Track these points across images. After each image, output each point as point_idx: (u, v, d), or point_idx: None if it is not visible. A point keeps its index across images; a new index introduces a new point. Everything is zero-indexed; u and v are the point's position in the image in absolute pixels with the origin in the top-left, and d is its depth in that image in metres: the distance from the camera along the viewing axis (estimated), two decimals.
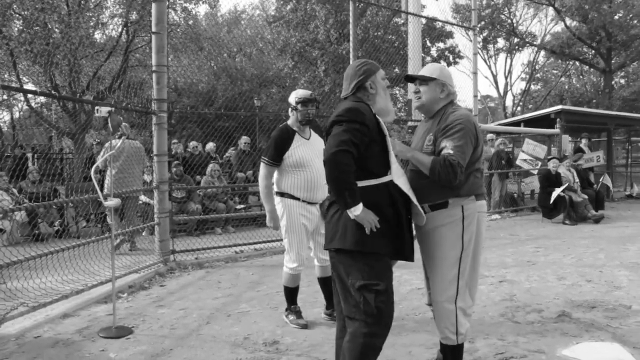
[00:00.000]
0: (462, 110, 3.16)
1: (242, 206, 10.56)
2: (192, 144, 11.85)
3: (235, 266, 6.85)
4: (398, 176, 2.90)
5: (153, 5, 6.78)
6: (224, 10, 31.90)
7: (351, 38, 8.71)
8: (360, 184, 2.75)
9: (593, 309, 4.71)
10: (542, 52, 37.24)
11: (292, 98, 4.40)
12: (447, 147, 2.97)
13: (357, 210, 2.66)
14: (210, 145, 12.64)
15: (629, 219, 10.70)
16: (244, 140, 11.99)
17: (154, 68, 6.75)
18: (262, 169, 4.39)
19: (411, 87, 3.24)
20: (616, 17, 26.97)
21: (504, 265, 6.51)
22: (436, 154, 3.03)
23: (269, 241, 7.83)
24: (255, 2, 36.35)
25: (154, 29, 6.78)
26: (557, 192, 10.17)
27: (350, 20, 8.84)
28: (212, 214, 9.56)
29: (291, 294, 4.51)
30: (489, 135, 12.73)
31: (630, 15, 26.84)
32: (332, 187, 2.72)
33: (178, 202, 9.49)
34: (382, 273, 2.76)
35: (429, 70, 3.23)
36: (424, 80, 3.18)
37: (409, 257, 2.88)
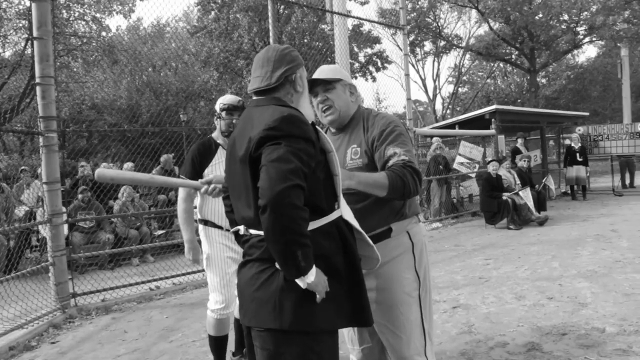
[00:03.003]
0: (385, 113, 2.61)
1: (161, 232, 9.48)
2: (104, 165, 10.66)
3: (148, 307, 5.85)
4: (346, 209, 2.11)
5: (33, 6, 5.74)
6: (146, 24, 30.44)
7: (271, 40, 7.89)
8: None
9: (564, 337, 4.05)
10: (468, 55, 37.71)
11: (217, 104, 3.65)
12: (399, 153, 2.35)
13: (310, 277, 1.80)
14: (128, 165, 11.50)
15: (571, 219, 10.34)
16: (164, 158, 10.98)
17: (37, 80, 5.72)
18: (181, 190, 3.56)
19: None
20: (537, 17, 27.43)
21: (455, 285, 5.82)
22: (381, 166, 2.37)
23: (189, 273, 6.86)
24: (178, 14, 34.97)
25: (35, 33, 5.75)
26: (527, 194, 9.85)
27: (270, 21, 8.03)
28: (126, 242, 8.47)
29: (218, 345, 3.61)
30: (435, 139, 12.20)
31: (550, 16, 27.35)
32: (279, 247, 1.75)
33: (86, 232, 8.35)
34: (329, 355, 1.95)
35: (329, 71, 2.57)
36: (329, 83, 2.53)
37: (368, 321, 2.03)
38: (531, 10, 27.06)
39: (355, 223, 2.11)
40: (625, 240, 7.75)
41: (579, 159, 13.53)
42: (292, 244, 1.73)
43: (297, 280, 1.80)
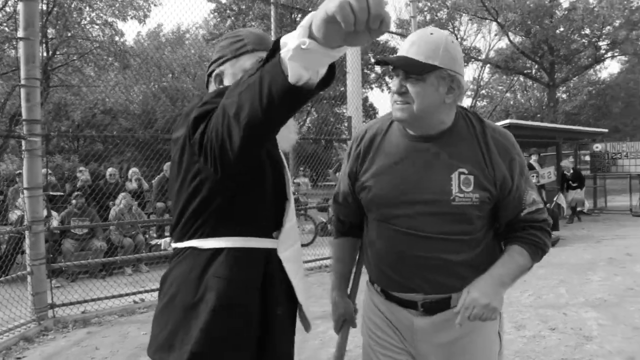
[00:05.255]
0: (497, 126, 1.82)
1: (158, 241, 9.23)
2: (110, 170, 10.44)
3: (128, 321, 5.58)
4: (286, 246, 1.56)
5: (21, 5, 5.53)
6: (166, 30, 30.52)
7: None
8: (213, 242, 1.46)
9: None
10: (487, 69, 37.27)
11: None
12: (537, 201, 1.77)
13: (300, 33, 0.99)
14: (132, 171, 11.30)
15: (585, 240, 9.90)
16: (167, 166, 10.75)
17: (22, 81, 5.47)
18: None
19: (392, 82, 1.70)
20: (558, 31, 26.98)
21: None
22: (511, 214, 1.75)
23: None
24: (199, 21, 35.00)
25: (21, 33, 5.52)
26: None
27: (272, 27, 7.81)
28: (119, 251, 8.24)
29: None
30: None
31: (572, 30, 26.88)
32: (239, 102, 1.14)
33: (79, 239, 8.13)
34: None
35: (427, 48, 1.60)
36: (418, 72, 1.60)
37: None
38: (552, 24, 26.65)
39: (295, 270, 1.56)
40: None
41: (573, 184, 13.10)
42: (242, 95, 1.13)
43: (293, 49, 0.99)
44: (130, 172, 11.39)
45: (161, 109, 25.02)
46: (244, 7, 24.29)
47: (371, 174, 1.77)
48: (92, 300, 5.99)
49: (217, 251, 1.46)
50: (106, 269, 8.16)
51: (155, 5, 19.41)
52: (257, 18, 22.80)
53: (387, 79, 29.14)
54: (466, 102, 38.18)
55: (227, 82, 1.61)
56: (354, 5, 0.85)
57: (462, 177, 1.67)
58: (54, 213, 8.24)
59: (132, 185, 10.48)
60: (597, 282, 6.40)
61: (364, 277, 2.01)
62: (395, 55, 1.65)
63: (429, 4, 28.37)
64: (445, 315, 1.74)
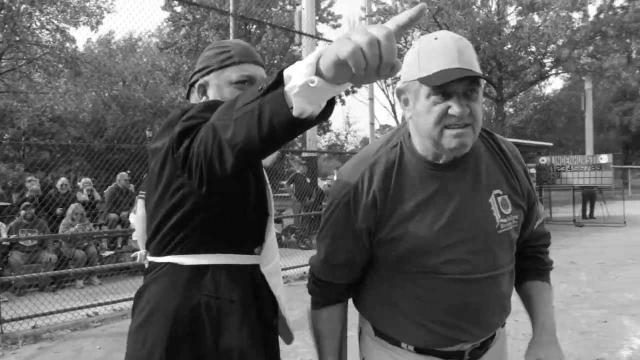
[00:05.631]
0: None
1: (110, 253, 9.06)
2: (62, 180, 10.15)
3: (82, 336, 5.46)
4: (267, 261, 1.56)
5: None
6: (118, 37, 29.97)
7: None
8: (194, 259, 1.44)
9: None
10: None
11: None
12: (541, 216, 1.69)
13: (300, 74, 0.98)
14: (84, 181, 11.05)
15: None
16: (120, 176, 10.56)
17: None
18: (139, 207, 3.14)
19: (426, 101, 1.37)
20: (505, 48, 27.90)
21: None
22: (528, 231, 1.64)
23: (132, 299, 6.45)
24: (152, 29, 34.48)
25: None
26: None
27: (230, 38, 7.81)
28: (71, 263, 8.04)
29: None
30: None
31: (518, 47, 27.85)
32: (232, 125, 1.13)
33: (28, 251, 7.90)
34: None
35: (471, 56, 1.39)
36: (477, 81, 1.38)
37: None
38: (500, 41, 27.53)
39: (277, 283, 1.57)
40: (584, 273, 7.66)
41: None
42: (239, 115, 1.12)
43: (297, 85, 0.98)
44: (81, 182, 11.15)
45: (112, 117, 24.58)
46: (199, 16, 24.15)
47: (397, 221, 1.42)
48: (43, 314, 5.83)
49: (200, 268, 1.44)
50: (57, 282, 7.95)
51: (108, 12, 19.09)
52: (213, 28, 22.69)
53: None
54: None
55: (211, 92, 1.59)
56: (367, 53, 0.85)
57: (499, 199, 1.50)
58: (1, 224, 8.01)
59: (83, 196, 10.26)
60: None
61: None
62: (457, 68, 1.32)
63: (382, 18, 28.89)
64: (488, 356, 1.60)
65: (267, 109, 1.04)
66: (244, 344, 1.42)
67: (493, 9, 28.83)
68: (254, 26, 23.48)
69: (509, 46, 27.98)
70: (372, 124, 10.47)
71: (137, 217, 3.03)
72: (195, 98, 1.63)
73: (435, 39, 1.39)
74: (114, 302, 6.37)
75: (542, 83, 36.94)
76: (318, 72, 0.95)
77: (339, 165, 49.26)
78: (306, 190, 11.39)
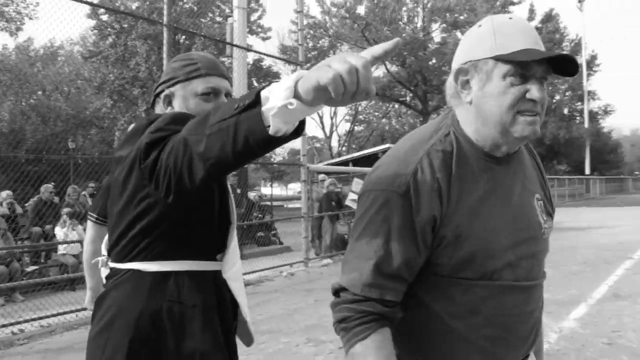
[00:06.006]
0: None
1: (33, 267, 8.74)
2: None
3: (6, 354, 5.27)
4: (229, 267, 1.63)
5: None
6: (38, 45, 28.80)
7: (164, 68, 7.63)
8: (158, 266, 1.50)
9: None
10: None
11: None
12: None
13: (278, 96, 1.05)
14: (6, 194, 10.61)
15: None
16: (44, 188, 10.22)
17: None
18: (89, 229, 3.00)
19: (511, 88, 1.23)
20: (430, 63, 29.00)
21: None
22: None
23: (60, 314, 6.28)
24: (75, 37, 33.45)
25: None
26: None
27: (164, 49, 7.77)
28: None
29: None
30: (321, 176, 12.32)
31: (443, 62, 29.02)
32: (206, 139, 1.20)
33: None
34: None
35: (537, 36, 1.29)
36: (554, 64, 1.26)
37: None
38: (425, 56, 28.62)
39: (237, 292, 1.64)
40: None
41: None
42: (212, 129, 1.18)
43: (275, 107, 1.06)
44: (2, 195, 10.70)
45: (31, 128, 23.60)
46: (126, 25, 23.68)
47: (462, 216, 1.24)
48: None
49: (163, 275, 1.49)
50: None
51: (30, 18, 18.40)
52: (141, 37, 22.30)
53: None
54: (345, 127, 39.58)
55: (177, 103, 1.65)
56: (346, 79, 0.93)
57: (539, 203, 1.40)
58: None
59: (3, 209, 9.86)
60: None
61: None
62: (541, 50, 1.23)
63: (312, 31, 29.33)
64: None
65: (244, 127, 1.10)
66: (206, 347, 1.48)
67: (419, 25, 29.92)
68: (183, 37, 23.28)
69: (434, 61, 29.12)
70: (304, 135, 10.63)
71: (87, 239, 2.94)
72: (160, 108, 1.69)
73: (510, 18, 1.28)
74: (40, 318, 6.17)
75: None
76: (296, 95, 1.02)
77: (267, 177, 49.06)
78: (237, 201, 11.43)
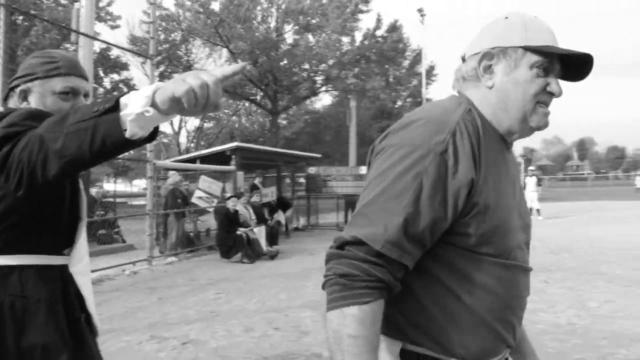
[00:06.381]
0: None
1: None
2: None
3: None
4: (77, 261, 1.69)
5: None
6: None
7: (1, 51, 7.07)
8: (3, 260, 1.52)
9: None
10: None
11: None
12: None
13: (144, 102, 1.18)
14: None
15: (300, 252, 11.18)
16: None
17: None
18: None
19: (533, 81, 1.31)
20: (282, 63, 29.52)
21: (186, 321, 5.79)
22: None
23: None
24: None
25: None
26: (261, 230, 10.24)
27: (1, 31, 7.19)
28: None
29: None
30: (170, 173, 12.12)
31: (294, 63, 29.70)
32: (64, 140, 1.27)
33: None
34: None
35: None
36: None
37: None
38: (277, 56, 29.05)
39: (84, 287, 1.69)
40: None
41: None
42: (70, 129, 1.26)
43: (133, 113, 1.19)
44: None
45: None
46: None
47: (491, 187, 1.23)
48: None
49: (7, 268, 1.51)
50: None
51: None
52: None
53: (115, 94, 28.19)
54: (194, 123, 38.98)
55: (33, 99, 1.65)
56: (198, 93, 1.09)
57: (519, 189, 1.43)
58: None
59: None
60: (312, 287, 7.40)
61: None
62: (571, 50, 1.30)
63: (164, 24, 28.48)
64: None
65: (102, 129, 1.20)
66: (48, 341, 1.52)
67: (272, 25, 30.32)
68: (21, 17, 21.42)
69: (285, 62, 29.69)
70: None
71: None
72: (14, 102, 1.68)
73: (535, 17, 1.36)
74: None
75: (314, 98, 39.79)
76: (153, 104, 1.16)
77: (110, 172, 46.54)
78: None
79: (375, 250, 1.12)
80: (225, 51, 31.54)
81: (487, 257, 1.24)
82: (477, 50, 1.35)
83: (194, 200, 12.23)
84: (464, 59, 1.42)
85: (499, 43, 1.31)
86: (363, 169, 16.56)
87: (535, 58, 1.28)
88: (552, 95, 1.30)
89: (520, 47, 1.29)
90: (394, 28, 38.56)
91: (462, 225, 1.21)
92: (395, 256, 1.13)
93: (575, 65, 1.31)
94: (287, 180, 19.86)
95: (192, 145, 40.30)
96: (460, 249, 1.22)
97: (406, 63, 46.05)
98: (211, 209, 12.38)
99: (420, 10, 27.82)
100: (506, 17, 1.34)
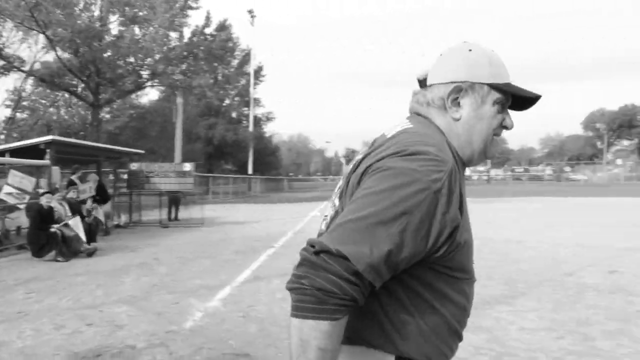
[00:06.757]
0: None
1: None
2: None
3: None
4: None
5: None
6: None
7: None
8: None
9: (99, 357, 4.42)
10: (30, 80, 35.62)
11: None
12: None
13: None
14: None
15: (120, 249, 10.98)
16: None
17: None
18: None
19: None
20: (105, 55, 28.12)
21: None
22: None
23: None
24: None
25: None
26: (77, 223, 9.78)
27: None
28: None
29: None
30: None
31: (118, 56, 28.43)
32: None
33: None
34: None
35: None
36: None
37: None
38: (101, 47, 27.61)
39: None
40: (165, 266, 8.76)
41: (97, 197, 13.78)
42: None
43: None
44: None
45: None
46: None
47: (466, 222, 1.35)
48: None
49: None
50: None
51: None
52: None
53: None
54: (5, 112, 35.62)
55: None
56: None
57: None
58: None
59: None
60: (130, 283, 7.42)
61: None
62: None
63: None
64: None
65: None
66: None
67: (96, 14, 28.74)
68: None
69: (109, 54, 28.34)
70: None
71: None
72: None
73: (492, 50, 1.47)
74: None
75: (139, 93, 38.46)
76: None
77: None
78: None
79: (354, 269, 1.15)
80: (42, 37, 29.26)
81: (460, 278, 1.37)
82: (442, 80, 1.44)
83: (2, 196, 11.38)
84: (420, 82, 1.54)
85: (468, 77, 1.41)
86: (187, 166, 16.62)
87: (497, 95, 1.42)
88: (505, 128, 1.46)
89: (486, 84, 1.41)
90: (223, 27, 38.78)
91: (448, 260, 1.30)
92: (371, 279, 1.18)
93: (523, 100, 1.47)
94: (111, 177, 19.18)
95: (2, 137, 36.73)
96: (440, 273, 1.32)
97: (235, 62, 46.53)
98: (22, 206, 11.62)
99: (250, 12, 28.38)
100: (470, 50, 1.44)
